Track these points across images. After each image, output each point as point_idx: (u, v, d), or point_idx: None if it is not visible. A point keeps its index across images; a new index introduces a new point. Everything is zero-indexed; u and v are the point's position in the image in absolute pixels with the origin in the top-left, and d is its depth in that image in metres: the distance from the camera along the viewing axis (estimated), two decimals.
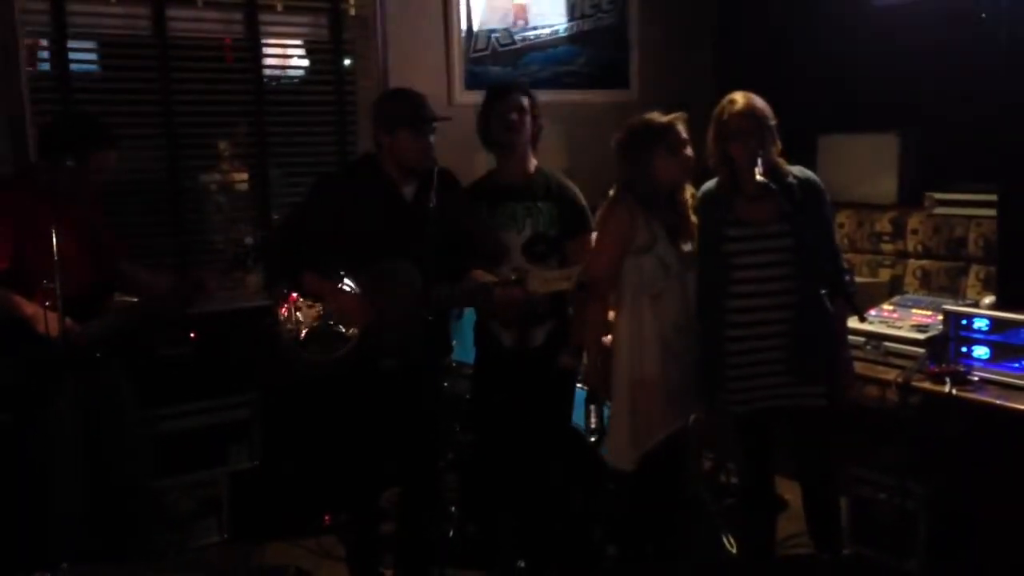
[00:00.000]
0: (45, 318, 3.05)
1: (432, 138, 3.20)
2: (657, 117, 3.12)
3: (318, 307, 3.21)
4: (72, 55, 3.99)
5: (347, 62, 4.59)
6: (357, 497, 3.48)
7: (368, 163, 3.34)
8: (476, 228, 3.36)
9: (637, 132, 3.12)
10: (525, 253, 3.42)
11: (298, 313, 3.23)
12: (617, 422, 3.21)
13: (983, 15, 3.77)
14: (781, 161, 3.14)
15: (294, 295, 3.23)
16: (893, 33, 4.42)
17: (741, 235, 3.11)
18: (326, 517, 4.16)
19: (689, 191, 3.19)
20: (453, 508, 3.91)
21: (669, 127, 3.09)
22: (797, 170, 3.17)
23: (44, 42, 3.95)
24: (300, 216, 3.40)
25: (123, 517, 3.57)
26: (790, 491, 3.66)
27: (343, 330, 3.18)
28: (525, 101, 3.44)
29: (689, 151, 3.10)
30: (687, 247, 3.14)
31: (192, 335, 3.97)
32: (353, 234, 3.19)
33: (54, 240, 2.94)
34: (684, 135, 3.09)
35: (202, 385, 4.00)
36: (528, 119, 3.45)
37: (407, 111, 3.18)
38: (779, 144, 3.13)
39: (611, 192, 3.19)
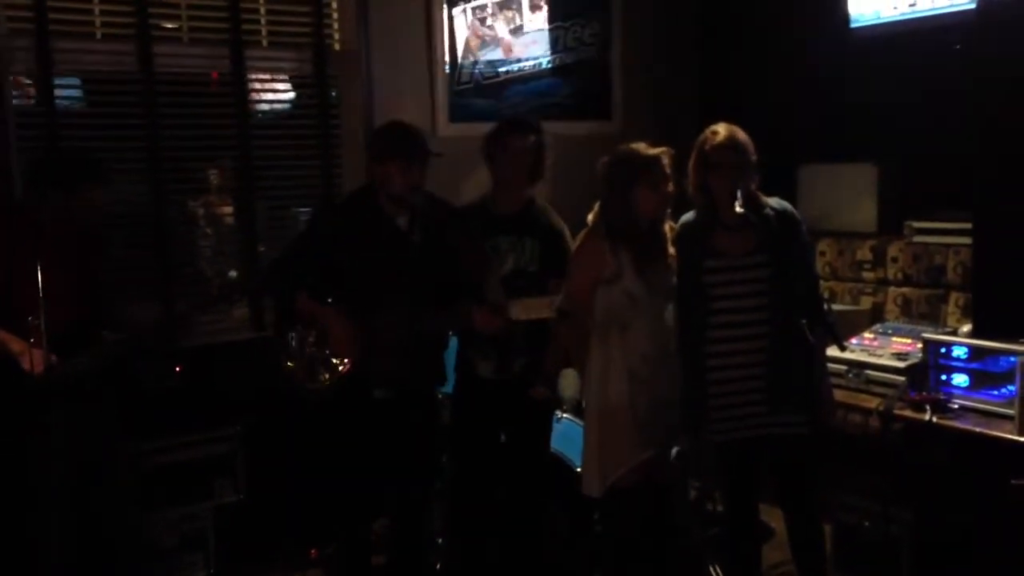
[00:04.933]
0: (31, 354, 3.06)
1: (423, 171, 3.23)
2: (643, 149, 3.14)
3: (313, 333, 3.25)
4: (58, 91, 4.01)
5: (333, 93, 4.63)
6: (346, 529, 3.48)
7: (364, 194, 3.38)
8: (467, 255, 3.38)
9: (621, 162, 3.15)
10: (504, 288, 3.43)
11: (294, 341, 3.28)
12: (587, 450, 3.23)
13: (957, 47, 3.85)
14: (759, 193, 3.18)
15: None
16: (871, 66, 4.50)
17: (719, 266, 3.14)
18: (313, 551, 4.15)
19: (669, 224, 3.22)
20: (440, 539, 3.91)
21: (654, 161, 3.11)
22: (775, 201, 3.21)
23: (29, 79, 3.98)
24: (298, 245, 3.45)
25: (110, 551, 3.55)
26: (776, 519, 3.67)
27: (335, 359, 3.21)
28: (534, 140, 3.47)
29: (671, 187, 3.13)
30: (662, 279, 3.17)
31: (178, 368, 3.97)
32: (348, 263, 3.23)
33: (39, 276, 2.96)
34: (667, 170, 3.12)
35: (187, 418, 4.00)
36: (532, 159, 3.48)
37: (396, 143, 3.23)
38: (758, 177, 3.17)
39: (589, 216, 3.22)
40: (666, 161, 3.12)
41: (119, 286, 3.97)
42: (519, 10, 4.98)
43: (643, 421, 3.14)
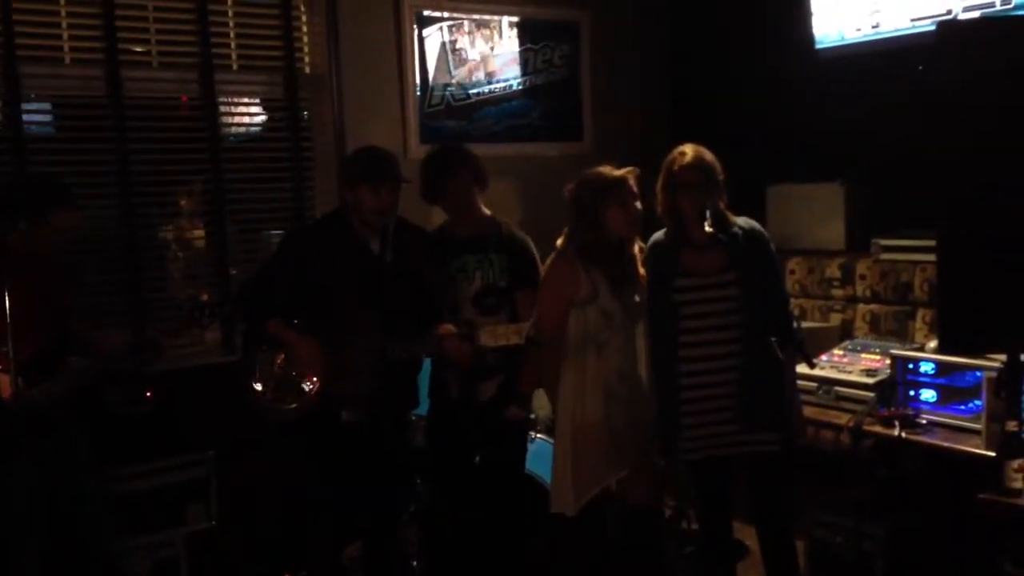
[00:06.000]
0: None
1: (393, 195, 3.25)
2: (609, 171, 3.17)
3: (281, 356, 3.26)
4: (26, 116, 3.99)
5: (305, 114, 4.63)
6: (318, 554, 3.45)
7: (337, 217, 3.40)
8: (432, 279, 3.40)
9: (589, 184, 3.18)
10: (475, 305, 3.46)
11: (261, 362, 3.29)
12: (559, 468, 3.23)
13: (920, 67, 3.91)
14: (727, 212, 3.22)
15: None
16: (837, 87, 4.56)
17: (689, 285, 3.16)
18: None
19: (637, 244, 3.25)
20: (415, 563, 3.89)
21: (620, 181, 3.15)
22: (743, 221, 3.24)
23: None
24: (269, 268, 3.46)
25: None
26: (750, 537, 3.68)
27: (303, 381, 3.22)
28: (470, 178, 3.48)
29: (638, 205, 3.16)
30: (634, 298, 3.19)
31: (148, 394, 3.94)
32: (319, 286, 3.24)
33: (6, 303, 2.93)
34: (635, 190, 3.16)
35: (159, 444, 3.96)
36: (477, 188, 3.50)
37: (366, 166, 3.26)
38: (725, 196, 3.20)
39: (558, 241, 3.24)
40: (632, 181, 3.15)
41: (89, 311, 3.96)
42: (490, 32, 5.03)
43: (619, 439, 3.15)
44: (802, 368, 3.36)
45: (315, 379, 3.20)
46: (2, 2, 3.86)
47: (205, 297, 4.29)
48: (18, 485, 3.19)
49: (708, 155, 3.19)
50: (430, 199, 3.54)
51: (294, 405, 3.24)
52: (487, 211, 3.58)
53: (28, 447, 3.16)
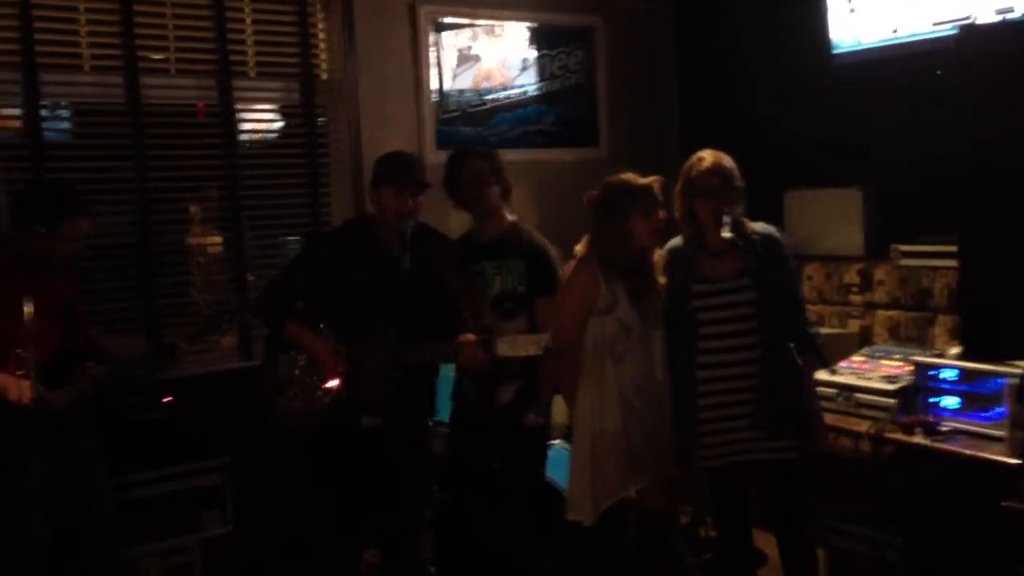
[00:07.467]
0: (18, 386, 3.04)
1: (414, 198, 3.27)
2: (634, 179, 3.16)
3: (303, 359, 3.27)
4: (45, 123, 4.01)
5: (320, 120, 4.64)
6: (334, 560, 3.45)
7: (361, 222, 3.43)
8: (453, 284, 3.40)
9: (614, 192, 3.16)
10: (494, 311, 3.45)
11: (284, 366, 3.31)
12: (578, 477, 3.21)
13: (938, 72, 3.89)
14: (744, 218, 3.20)
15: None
16: (854, 92, 4.54)
17: (706, 291, 3.15)
18: None
19: (658, 253, 3.23)
20: (432, 569, 3.88)
21: (646, 190, 3.13)
22: (759, 226, 3.23)
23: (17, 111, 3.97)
24: (291, 271, 3.49)
25: None
26: (769, 544, 3.66)
27: (323, 385, 3.22)
28: (485, 168, 3.48)
29: (662, 214, 3.15)
30: (652, 308, 3.18)
31: (166, 399, 3.95)
32: (340, 290, 3.26)
33: (26, 308, 2.94)
34: (659, 198, 3.14)
35: (175, 450, 3.96)
36: (492, 182, 3.49)
37: (390, 169, 3.30)
38: (744, 202, 3.19)
39: (577, 248, 3.23)
40: (657, 189, 3.14)
41: (106, 317, 3.97)
42: (506, 38, 5.03)
43: (637, 449, 3.13)
44: (822, 375, 3.34)
45: (337, 381, 3.20)
46: (22, 10, 3.89)
47: (222, 303, 4.28)
48: (31, 490, 3.19)
49: (727, 161, 3.18)
50: (454, 197, 3.53)
51: (312, 409, 3.24)
52: (510, 217, 3.57)
53: (41, 451, 3.17)
